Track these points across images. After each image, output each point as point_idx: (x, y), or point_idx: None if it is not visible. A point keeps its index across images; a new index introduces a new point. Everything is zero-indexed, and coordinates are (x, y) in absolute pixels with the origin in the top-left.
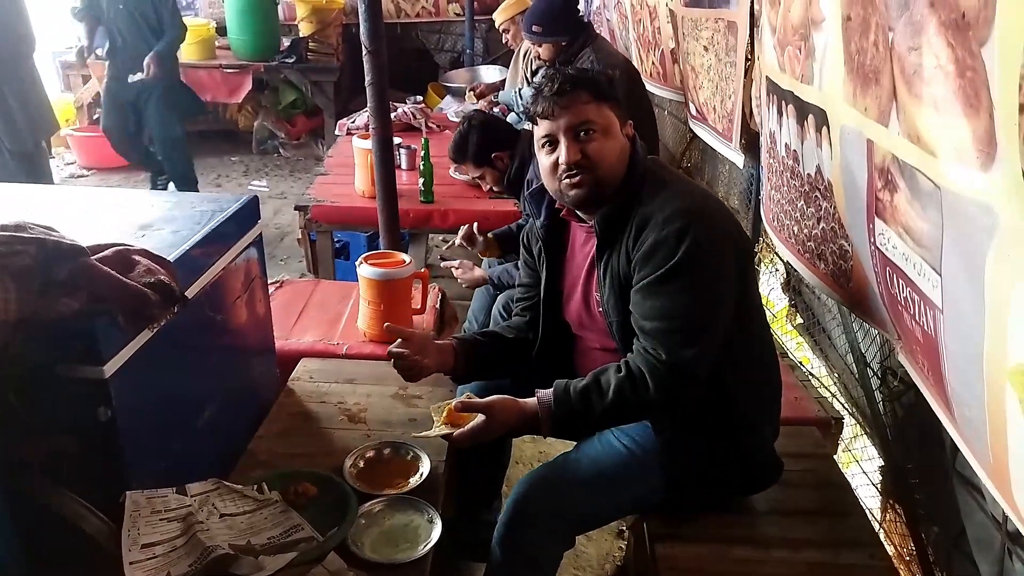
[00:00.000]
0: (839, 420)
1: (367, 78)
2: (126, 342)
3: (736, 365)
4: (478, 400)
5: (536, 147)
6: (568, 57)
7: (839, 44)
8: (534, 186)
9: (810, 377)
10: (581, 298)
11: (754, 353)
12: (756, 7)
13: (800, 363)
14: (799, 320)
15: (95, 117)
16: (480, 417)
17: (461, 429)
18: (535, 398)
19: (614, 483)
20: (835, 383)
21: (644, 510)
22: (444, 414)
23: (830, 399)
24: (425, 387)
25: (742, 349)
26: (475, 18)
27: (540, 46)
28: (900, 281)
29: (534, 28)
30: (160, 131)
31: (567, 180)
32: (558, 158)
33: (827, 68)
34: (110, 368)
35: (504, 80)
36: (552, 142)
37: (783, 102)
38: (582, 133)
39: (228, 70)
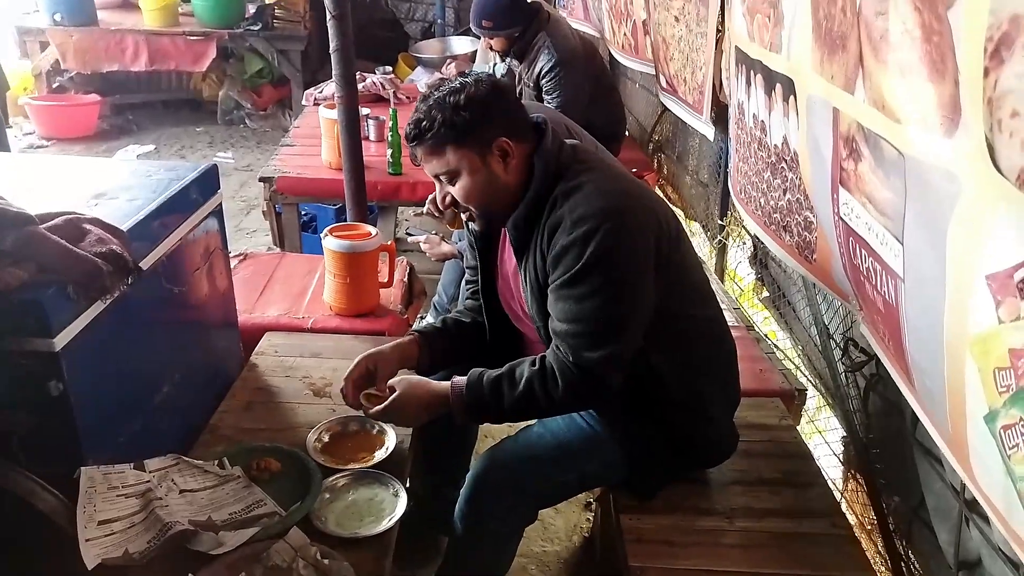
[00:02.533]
0: (802, 391)
1: (332, 44)
2: (77, 314)
3: (668, 352)
4: (394, 382)
5: None
6: (523, 46)
7: (807, 10)
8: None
9: (775, 350)
10: (513, 296)
11: (691, 336)
12: None
13: (766, 336)
14: (765, 293)
15: (55, 85)
16: (392, 396)
17: (375, 407)
18: (449, 382)
19: (574, 458)
20: (799, 355)
21: (605, 484)
22: (366, 403)
23: (794, 371)
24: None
25: (675, 335)
26: None
27: (492, 39)
28: (863, 251)
29: (484, 23)
30: None
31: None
32: None
33: (795, 36)
34: (60, 341)
35: (476, 51)
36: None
37: (752, 72)
38: (443, 178)
39: (192, 37)
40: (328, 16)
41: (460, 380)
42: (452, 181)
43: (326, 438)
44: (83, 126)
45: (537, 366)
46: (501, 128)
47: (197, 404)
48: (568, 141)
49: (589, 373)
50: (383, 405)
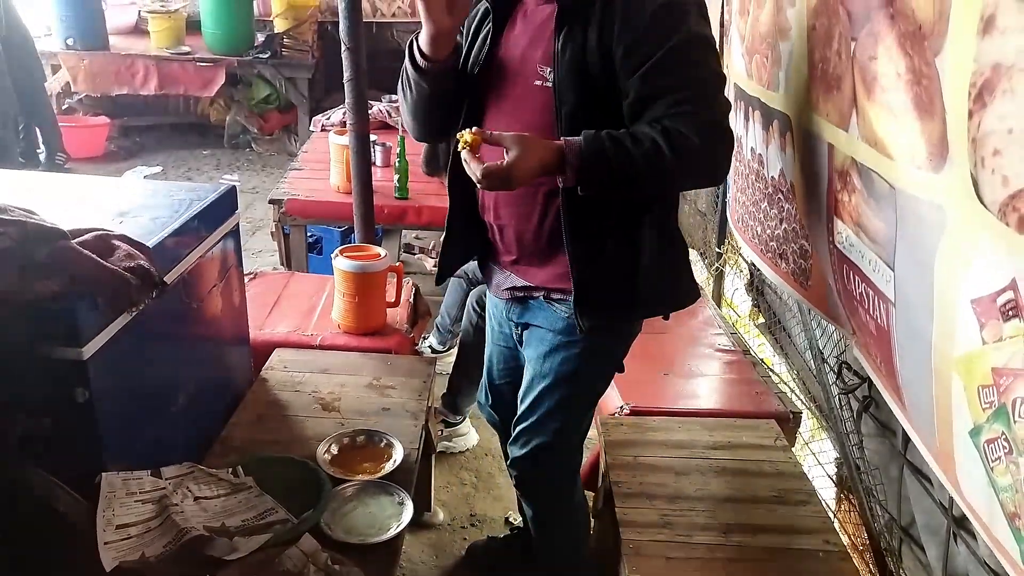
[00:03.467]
0: (797, 414)
1: (345, 74)
2: (105, 325)
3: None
4: (505, 134)
5: None
6: None
7: (804, 52)
8: None
9: (770, 374)
10: (516, 77)
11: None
12: (725, 17)
13: (762, 361)
14: (761, 319)
15: (64, 107)
16: (514, 151)
17: (484, 165)
18: (561, 140)
19: (569, 398)
20: (794, 379)
21: (609, 376)
22: (469, 139)
23: (789, 395)
24: (399, 378)
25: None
26: None
27: None
28: (856, 277)
29: None
30: None
31: None
32: None
33: (792, 75)
34: (89, 350)
35: None
36: None
37: (750, 108)
38: None
39: (201, 63)
40: (343, 48)
41: (573, 138)
42: None
43: (335, 450)
44: (91, 147)
45: (660, 128)
46: None
47: (210, 416)
48: None
49: (718, 124)
50: (499, 167)
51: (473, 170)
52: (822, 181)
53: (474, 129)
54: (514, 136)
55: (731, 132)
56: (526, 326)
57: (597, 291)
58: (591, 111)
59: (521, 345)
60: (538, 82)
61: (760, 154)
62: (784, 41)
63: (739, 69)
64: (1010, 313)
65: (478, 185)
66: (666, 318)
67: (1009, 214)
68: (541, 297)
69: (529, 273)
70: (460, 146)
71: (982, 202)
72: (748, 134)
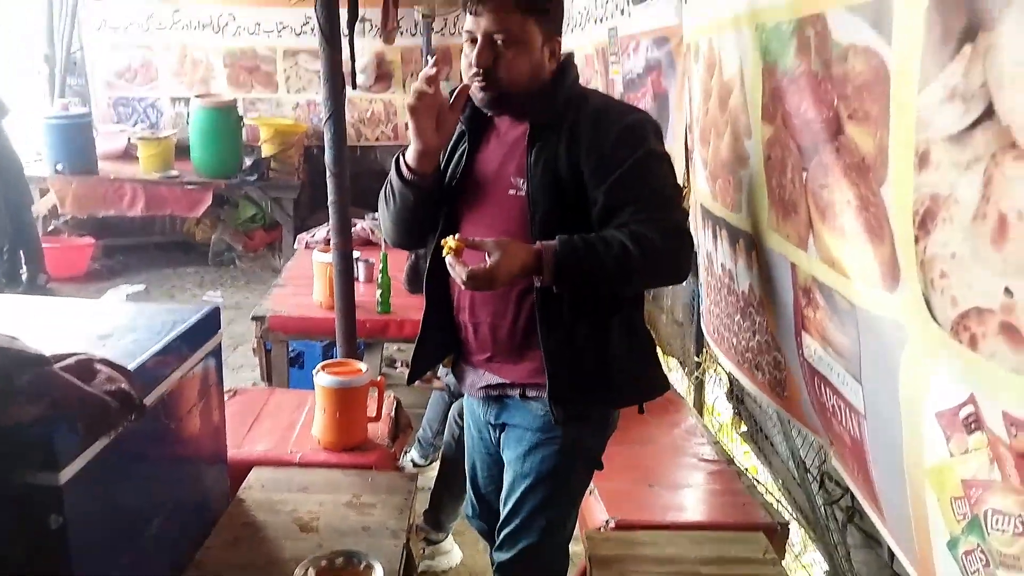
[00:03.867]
0: (784, 525)
1: (330, 197)
2: (82, 449)
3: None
4: (486, 240)
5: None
6: None
7: (762, 179)
8: None
9: (756, 483)
10: (491, 188)
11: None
12: (689, 144)
13: (746, 471)
14: (743, 428)
15: (50, 228)
16: (496, 255)
17: (470, 268)
18: (538, 243)
19: (552, 497)
20: (780, 489)
21: (589, 471)
22: (453, 245)
23: (776, 505)
24: (380, 495)
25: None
26: None
27: None
28: (827, 389)
29: None
30: None
31: (476, 82)
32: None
33: (753, 199)
34: (65, 475)
35: None
36: (472, 39)
37: (717, 227)
38: (498, 41)
39: (189, 186)
40: (328, 174)
41: (549, 242)
42: (508, 45)
43: (312, 574)
44: (74, 267)
45: (627, 232)
46: (561, 33)
47: (184, 539)
48: None
49: (679, 227)
50: (483, 269)
51: (459, 272)
52: (788, 297)
53: (457, 236)
54: (495, 241)
55: (691, 235)
56: (503, 427)
57: (570, 384)
58: (561, 216)
59: (500, 448)
60: (512, 191)
61: (730, 270)
62: (743, 168)
63: (704, 191)
64: (972, 426)
65: (462, 286)
66: (641, 411)
67: (961, 332)
68: (517, 396)
69: (504, 370)
70: (445, 252)
71: (936, 320)
72: (717, 251)
